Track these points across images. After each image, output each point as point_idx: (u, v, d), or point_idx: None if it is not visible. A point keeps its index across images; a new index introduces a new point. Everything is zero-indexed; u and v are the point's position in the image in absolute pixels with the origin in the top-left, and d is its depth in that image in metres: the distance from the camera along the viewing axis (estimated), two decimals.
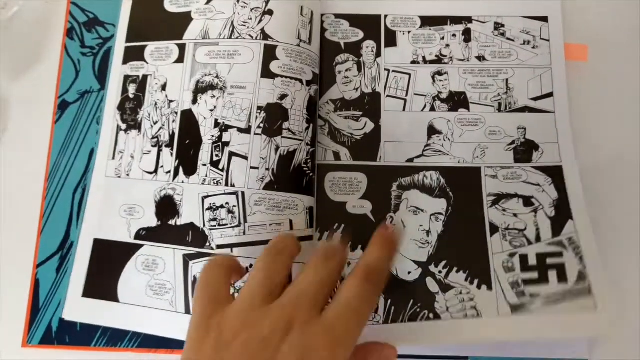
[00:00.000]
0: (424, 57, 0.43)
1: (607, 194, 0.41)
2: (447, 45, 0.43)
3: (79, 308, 0.39)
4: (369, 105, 0.42)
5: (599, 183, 0.40)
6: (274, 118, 0.39)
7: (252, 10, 0.41)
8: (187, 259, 0.38)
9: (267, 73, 0.40)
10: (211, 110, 0.40)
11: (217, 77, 0.40)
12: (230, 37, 0.41)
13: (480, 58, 0.43)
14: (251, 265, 0.36)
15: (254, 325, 0.26)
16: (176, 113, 0.41)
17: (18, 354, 0.39)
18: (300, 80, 0.40)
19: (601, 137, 0.42)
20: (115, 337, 0.39)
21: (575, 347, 0.37)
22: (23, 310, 0.40)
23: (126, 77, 0.43)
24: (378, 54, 0.43)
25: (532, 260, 0.38)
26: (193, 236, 0.38)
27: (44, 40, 0.45)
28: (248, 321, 0.26)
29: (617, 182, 0.41)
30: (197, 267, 0.38)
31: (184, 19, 0.43)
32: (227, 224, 0.38)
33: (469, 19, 0.43)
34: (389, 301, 0.36)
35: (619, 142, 0.42)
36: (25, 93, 0.44)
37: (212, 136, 0.39)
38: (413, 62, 0.43)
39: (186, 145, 0.40)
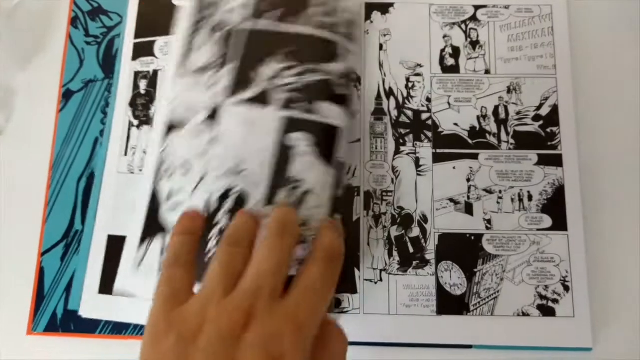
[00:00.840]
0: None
1: (608, 189, 0.41)
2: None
3: (96, 305, 0.39)
4: None
5: (600, 178, 0.41)
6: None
7: None
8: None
9: None
10: None
11: None
12: None
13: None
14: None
15: (216, 319, 0.25)
16: None
17: (23, 341, 0.39)
18: None
19: (604, 132, 0.42)
20: (119, 325, 0.39)
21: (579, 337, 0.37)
22: (28, 298, 0.40)
23: (137, 73, 0.43)
24: None
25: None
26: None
27: (48, 29, 0.45)
28: (209, 315, 0.25)
29: (617, 178, 0.41)
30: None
31: None
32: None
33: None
34: None
35: (622, 137, 0.42)
36: (30, 82, 0.44)
37: None
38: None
39: None
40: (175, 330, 0.25)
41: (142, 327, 0.38)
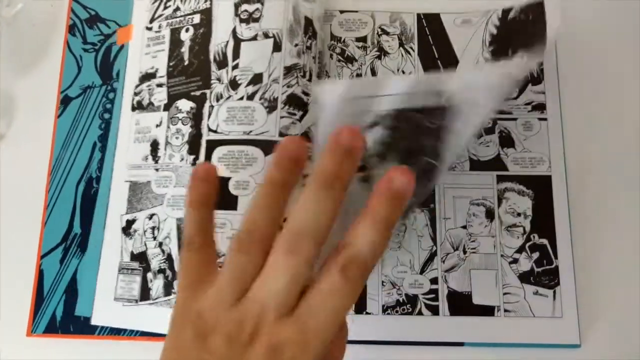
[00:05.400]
0: None
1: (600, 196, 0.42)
2: None
3: (110, 312, 0.40)
4: None
5: (591, 186, 0.41)
6: None
7: None
8: None
9: None
10: None
11: None
12: None
13: None
14: None
15: (224, 325, 0.25)
16: None
17: (23, 342, 0.40)
18: None
19: (590, 134, 0.43)
20: (122, 328, 0.39)
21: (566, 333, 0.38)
22: (28, 300, 0.40)
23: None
24: None
25: None
26: None
27: (46, 36, 0.46)
28: (219, 318, 0.25)
29: (604, 178, 0.42)
30: None
31: None
32: None
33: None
34: None
35: (613, 145, 0.42)
36: (29, 89, 0.45)
37: None
38: None
39: None
40: (190, 325, 0.25)
41: (139, 331, 0.39)
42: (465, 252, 0.40)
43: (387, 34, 0.44)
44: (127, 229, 0.41)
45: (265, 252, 0.26)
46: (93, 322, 0.39)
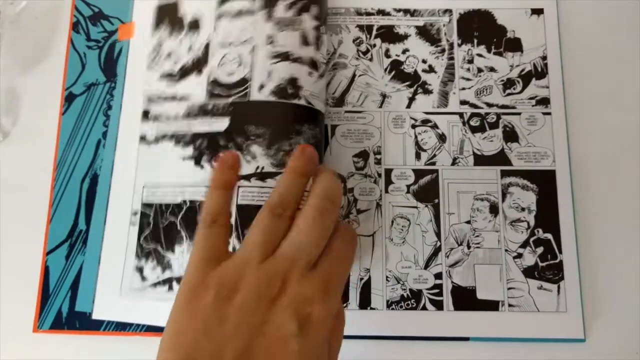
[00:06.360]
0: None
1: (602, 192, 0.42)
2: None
3: (115, 307, 0.40)
4: None
5: (595, 180, 0.41)
6: None
7: None
8: None
9: None
10: None
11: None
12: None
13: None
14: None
15: (254, 281, 0.27)
16: None
17: (29, 339, 0.40)
18: None
19: (595, 128, 0.42)
20: (123, 322, 0.40)
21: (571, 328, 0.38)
22: (34, 296, 0.41)
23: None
24: None
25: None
26: None
27: (50, 34, 0.46)
28: (247, 277, 0.27)
29: (608, 173, 0.42)
30: None
31: None
32: None
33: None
34: None
35: (616, 139, 0.42)
36: (33, 86, 0.45)
37: None
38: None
39: None
40: (212, 288, 0.27)
41: (144, 326, 0.39)
42: (469, 247, 0.40)
43: None
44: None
45: (291, 219, 0.30)
46: (94, 316, 0.40)
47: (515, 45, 0.44)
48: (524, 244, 0.40)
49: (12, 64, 0.45)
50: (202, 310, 0.26)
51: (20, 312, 0.41)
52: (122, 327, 0.39)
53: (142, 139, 0.42)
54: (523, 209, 0.40)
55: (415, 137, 0.42)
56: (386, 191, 0.41)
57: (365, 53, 0.44)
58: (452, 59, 0.44)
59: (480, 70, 0.43)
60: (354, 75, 0.43)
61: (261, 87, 0.40)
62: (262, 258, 0.28)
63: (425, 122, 0.42)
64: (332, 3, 0.45)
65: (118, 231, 0.41)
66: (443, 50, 0.44)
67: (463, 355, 0.38)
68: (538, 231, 0.40)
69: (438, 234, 0.40)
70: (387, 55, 0.44)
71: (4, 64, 0.45)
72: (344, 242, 0.30)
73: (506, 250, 0.40)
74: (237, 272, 0.27)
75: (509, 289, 0.39)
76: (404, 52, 0.44)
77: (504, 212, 0.40)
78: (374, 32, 0.44)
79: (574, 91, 0.43)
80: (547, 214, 0.40)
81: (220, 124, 0.40)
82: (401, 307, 0.39)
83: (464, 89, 0.43)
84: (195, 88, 0.42)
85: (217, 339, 0.25)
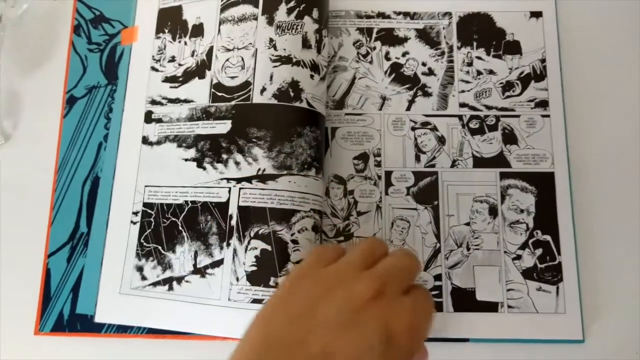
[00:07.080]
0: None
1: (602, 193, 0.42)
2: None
3: (116, 308, 0.40)
4: None
5: (594, 182, 0.42)
6: None
7: None
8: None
9: None
10: None
11: None
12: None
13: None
14: None
15: (348, 284, 0.28)
16: None
17: (31, 341, 0.40)
18: None
19: (593, 131, 0.43)
20: (124, 325, 0.40)
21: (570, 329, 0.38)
22: (35, 299, 0.41)
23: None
24: None
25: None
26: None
27: (51, 37, 0.46)
28: (344, 279, 0.29)
29: (606, 175, 0.42)
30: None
31: None
32: None
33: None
34: None
35: (615, 141, 0.43)
36: (35, 89, 0.45)
37: None
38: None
39: None
40: (314, 278, 0.29)
41: (145, 328, 0.39)
42: (468, 249, 0.40)
43: None
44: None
45: (386, 255, 0.31)
46: (97, 319, 0.40)
47: (514, 48, 0.44)
48: (523, 246, 0.40)
49: (13, 67, 0.45)
50: (298, 298, 0.28)
51: (22, 314, 0.41)
52: (123, 330, 0.40)
53: (145, 140, 0.43)
54: (522, 211, 0.41)
55: (415, 139, 0.42)
56: (386, 193, 0.41)
57: (365, 56, 0.44)
58: (451, 61, 0.44)
59: (479, 72, 0.43)
60: (354, 78, 0.44)
61: (263, 90, 0.40)
62: (362, 268, 0.29)
63: (424, 124, 0.43)
64: (333, 6, 0.45)
65: (120, 232, 0.41)
66: (443, 53, 0.44)
67: (463, 356, 0.39)
68: (537, 233, 0.40)
69: (438, 236, 0.40)
70: (387, 58, 0.44)
71: (6, 66, 0.45)
72: (426, 298, 0.31)
73: (505, 252, 0.40)
74: (337, 272, 0.29)
75: (508, 290, 0.39)
76: (403, 54, 0.44)
77: (503, 214, 0.41)
78: (374, 35, 0.44)
79: (573, 94, 0.43)
80: (546, 215, 0.40)
81: (223, 127, 0.40)
82: None
83: (463, 91, 0.43)
84: (199, 91, 0.42)
85: (304, 327, 0.27)
